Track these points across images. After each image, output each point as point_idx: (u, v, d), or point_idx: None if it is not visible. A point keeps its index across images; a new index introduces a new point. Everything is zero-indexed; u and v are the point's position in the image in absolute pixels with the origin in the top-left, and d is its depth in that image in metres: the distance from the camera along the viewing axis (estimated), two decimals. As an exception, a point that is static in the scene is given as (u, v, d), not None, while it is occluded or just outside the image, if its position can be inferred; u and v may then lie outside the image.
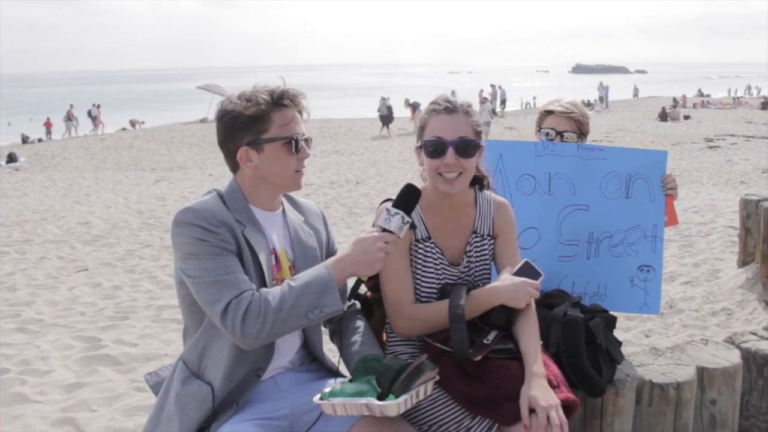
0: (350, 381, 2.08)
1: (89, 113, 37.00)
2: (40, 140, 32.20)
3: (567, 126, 3.24)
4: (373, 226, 2.15)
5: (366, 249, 2.07)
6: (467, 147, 2.33)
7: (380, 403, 1.95)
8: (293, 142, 2.18)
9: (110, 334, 5.66)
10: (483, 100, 29.28)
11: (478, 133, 2.39)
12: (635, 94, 53.13)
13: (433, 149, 2.34)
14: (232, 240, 2.13)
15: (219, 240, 2.09)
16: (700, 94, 57.68)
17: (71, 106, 36.71)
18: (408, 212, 2.12)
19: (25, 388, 4.54)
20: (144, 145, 26.31)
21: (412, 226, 2.39)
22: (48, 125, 34.77)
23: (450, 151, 2.31)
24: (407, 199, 2.14)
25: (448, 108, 2.35)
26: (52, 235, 10.03)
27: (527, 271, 2.35)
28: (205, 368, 2.19)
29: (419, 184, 2.52)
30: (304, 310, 2.03)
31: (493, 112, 26.87)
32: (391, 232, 2.09)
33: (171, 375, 2.26)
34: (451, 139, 2.31)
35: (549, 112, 3.28)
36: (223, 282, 2.05)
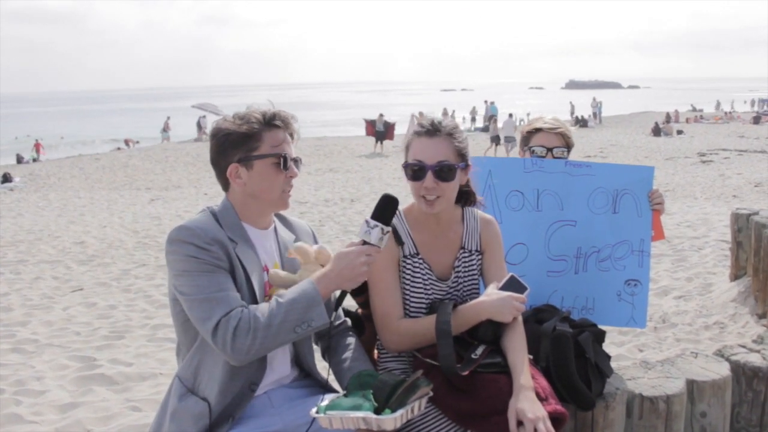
0: (345, 395, 2.11)
1: (198, 123, 38.79)
2: (34, 160, 32.15)
3: (556, 142, 3.30)
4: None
5: (349, 263, 2.12)
6: (446, 171, 2.36)
7: (378, 417, 1.97)
8: (282, 160, 2.26)
9: (105, 354, 5.66)
10: (509, 115, 29.71)
11: (462, 156, 2.41)
12: (580, 114, 43.79)
13: (413, 173, 2.38)
14: (225, 257, 2.18)
15: (212, 257, 2.15)
16: (693, 109, 57.80)
17: (168, 117, 39.01)
18: (387, 222, 2.14)
19: (20, 408, 4.54)
20: (139, 165, 26.30)
21: (399, 242, 2.44)
22: (37, 146, 34.75)
23: (429, 175, 2.35)
24: (385, 209, 2.16)
25: (430, 131, 2.38)
26: (47, 255, 10.03)
27: (513, 285, 2.39)
28: (200, 384, 2.23)
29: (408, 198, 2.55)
30: (293, 325, 2.09)
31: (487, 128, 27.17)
32: (371, 244, 2.13)
33: (168, 392, 2.30)
34: (431, 163, 2.35)
35: (537, 130, 3.33)
36: (213, 299, 2.10)
